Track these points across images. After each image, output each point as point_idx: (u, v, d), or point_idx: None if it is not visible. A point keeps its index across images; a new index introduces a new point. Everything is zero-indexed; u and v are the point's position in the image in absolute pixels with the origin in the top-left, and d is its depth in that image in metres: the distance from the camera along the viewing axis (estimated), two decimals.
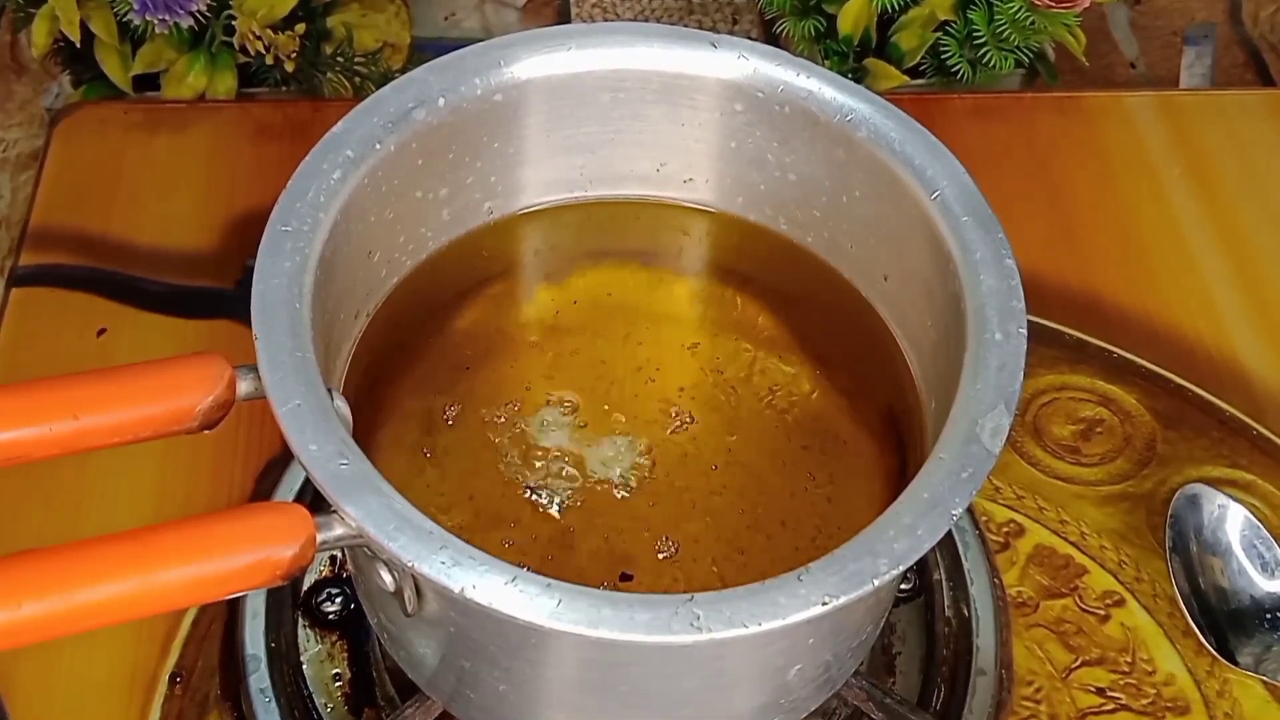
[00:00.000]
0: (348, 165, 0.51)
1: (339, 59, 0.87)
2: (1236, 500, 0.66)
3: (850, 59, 0.88)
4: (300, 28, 0.83)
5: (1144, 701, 0.62)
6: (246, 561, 0.42)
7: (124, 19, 0.82)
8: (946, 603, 0.64)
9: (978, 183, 0.52)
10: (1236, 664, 0.62)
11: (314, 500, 0.44)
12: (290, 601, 0.63)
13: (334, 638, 0.62)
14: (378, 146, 0.52)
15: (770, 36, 0.92)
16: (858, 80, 0.57)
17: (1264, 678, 0.62)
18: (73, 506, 0.65)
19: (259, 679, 0.60)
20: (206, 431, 0.46)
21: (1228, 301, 0.77)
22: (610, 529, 0.51)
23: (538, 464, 0.52)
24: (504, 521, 0.51)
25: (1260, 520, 0.65)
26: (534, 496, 0.51)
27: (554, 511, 0.51)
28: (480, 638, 0.47)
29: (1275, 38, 1.04)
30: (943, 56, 0.86)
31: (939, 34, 0.87)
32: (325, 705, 0.60)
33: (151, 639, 0.62)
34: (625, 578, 0.50)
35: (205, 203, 0.78)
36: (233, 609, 0.62)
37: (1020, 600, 0.65)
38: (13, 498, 0.65)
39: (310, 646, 0.62)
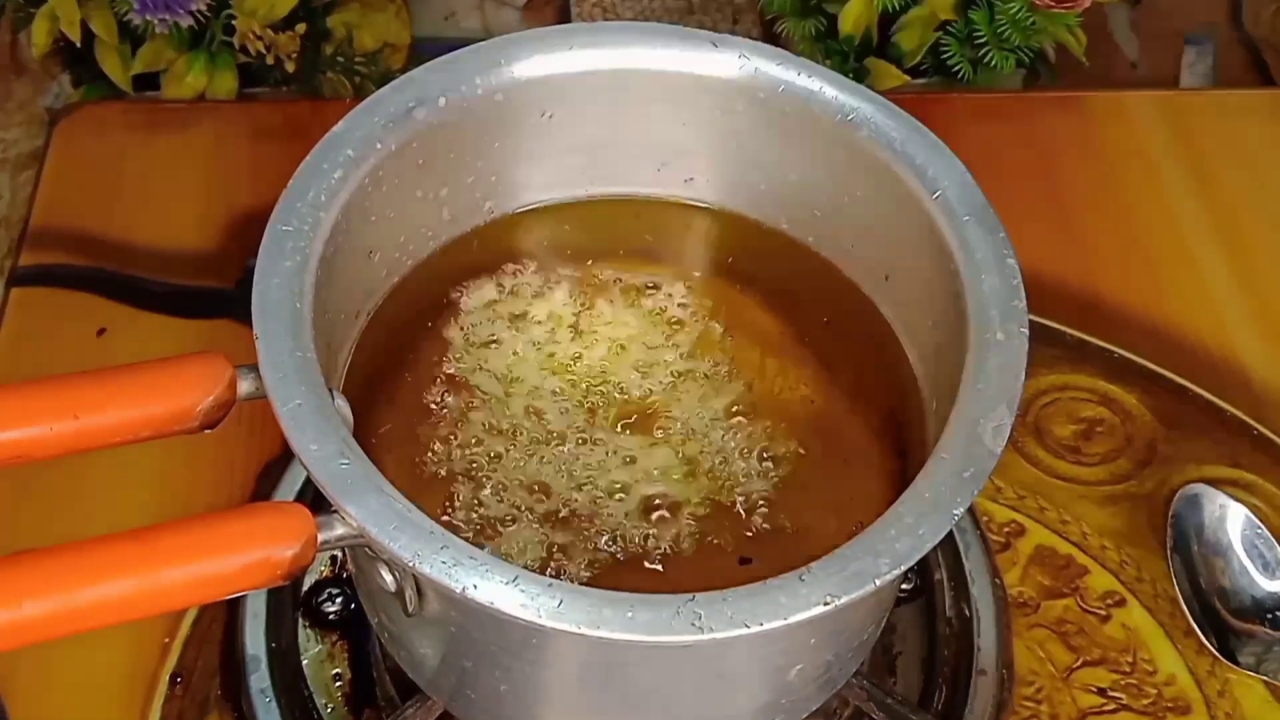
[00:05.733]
0: (348, 165, 0.51)
1: (339, 59, 0.87)
2: (1237, 500, 0.66)
3: (851, 59, 0.88)
4: (300, 28, 0.83)
5: (1145, 701, 0.62)
6: (247, 561, 0.42)
7: (124, 19, 0.81)
8: (948, 603, 0.64)
9: (978, 182, 0.52)
10: (1238, 664, 0.62)
11: (315, 500, 0.44)
12: (291, 601, 0.63)
13: (334, 638, 0.62)
14: (378, 146, 0.52)
15: (771, 36, 0.91)
16: (858, 80, 0.56)
17: (1265, 678, 0.62)
18: (73, 506, 0.65)
19: (259, 679, 0.60)
20: (207, 431, 0.46)
21: (1228, 301, 0.76)
22: (610, 525, 0.51)
23: (536, 464, 0.52)
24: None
25: (1261, 520, 0.65)
26: (530, 502, 0.51)
27: (556, 511, 0.51)
28: (481, 637, 0.47)
29: (1276, 38, 1.04)
30: (943, 56, 0.86)
31: (940, 34, 0.87)
32: (326, 705, 0.60)
33: (151, 639, 0.62)
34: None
35: (205, 203, 0.78)
36: (233, 609, 0.62)
37: (1021, 600, 0.65)
38: (13, 498, 0.65)
39: (311, 647, 0.62)
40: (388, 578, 0.46)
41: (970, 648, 0.63)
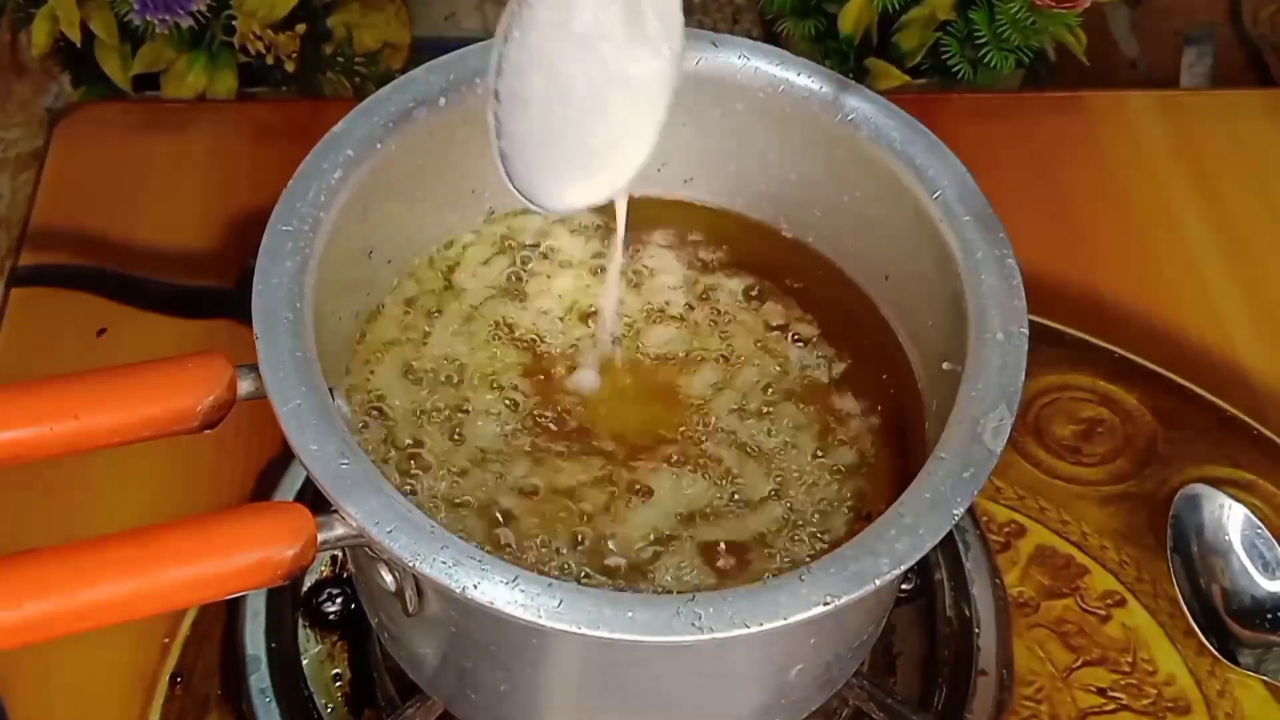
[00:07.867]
0: (348, 165, 0.51)
1: (339, 59, 0.87)
2: (1237, 500, 0.66)
3: (851, 59, 0.88)
4: (300, 28, 0.83)
5: (1145, 702, 0.62)
6: (247, 561, 0.42)
7: (124, 19, 0.81)
8: (948, 603, 0.64)
9: (978, 182, 0.52)
10: (1238, 664, 0.62)
11: (315, 500, 0.44)
12: (291, 601, 0.63)
13: (334, 638, 0.62)
14: (378, 146, 0.52)
15: (771, 36, 0.92)
16: (858, 80, 0.56)
17: (1265, 678, 0.62)
18: (73, 506, 0.65)
19: (259, 679, 0.60)
20: (207, 431, 0.46)
21: (1228, 301, 0.76)
22: (610, 525, 0.51)
23: (529, 474, 0.52)
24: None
25: (1261, 520, 0.65)
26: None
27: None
28: (481, 637, 0.47)
29: (1275, 38, 1.04)
30: (943, 56, 0.86)
31: (940, 34, 0.87)
32: (326, 705, 0.60)
33: (152, 640, 0.62)
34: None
35: (205, 203, 0.78)
36: (233, 609, 0.62)
37: (1021, 600, 0.65)
38: (13, 498, 0.65)
39: (311, 647, 0.62)
40: (388, 578, 0.46)
41: (970, 648, 0.63)
